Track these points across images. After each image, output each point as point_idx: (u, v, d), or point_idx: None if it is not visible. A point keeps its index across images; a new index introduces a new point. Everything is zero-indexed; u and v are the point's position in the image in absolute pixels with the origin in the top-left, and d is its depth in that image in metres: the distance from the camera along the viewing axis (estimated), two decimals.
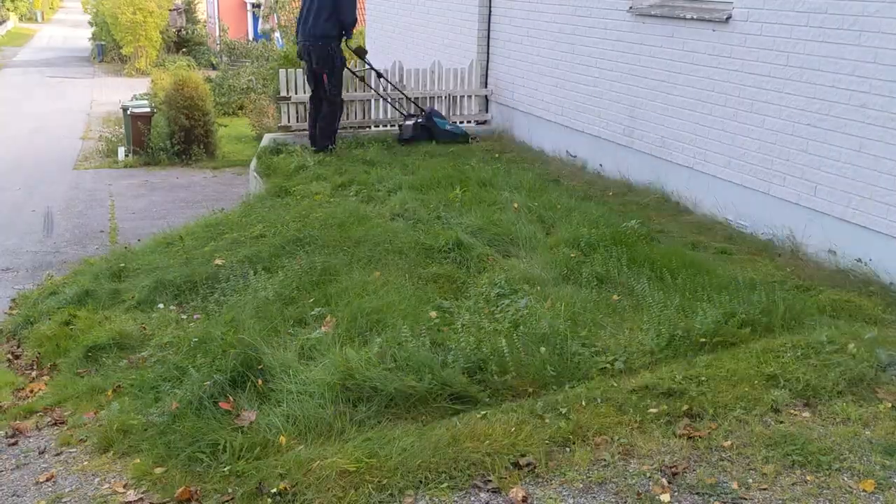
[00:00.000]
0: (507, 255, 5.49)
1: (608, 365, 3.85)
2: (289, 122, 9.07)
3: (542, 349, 3.84)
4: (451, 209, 6.28)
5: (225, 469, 3.00)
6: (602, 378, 3.71)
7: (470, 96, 9.76)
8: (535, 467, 2.99)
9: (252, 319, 4.23)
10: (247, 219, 6.76)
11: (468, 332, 4.02)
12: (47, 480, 3.22)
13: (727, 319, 4.19)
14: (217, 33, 33.20)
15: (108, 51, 33.39)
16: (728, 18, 5.97)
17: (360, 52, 8.74)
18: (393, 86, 9.05)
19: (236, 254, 5.71)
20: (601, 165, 7.69)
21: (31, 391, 4.64)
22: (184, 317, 5.05)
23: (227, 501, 2.86)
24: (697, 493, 2.87)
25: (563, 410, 3.36)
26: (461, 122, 9.81)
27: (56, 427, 3.86)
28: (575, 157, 8.13)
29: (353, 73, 8.91)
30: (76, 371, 4.74)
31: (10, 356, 5.40)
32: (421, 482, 2.89)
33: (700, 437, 3.22)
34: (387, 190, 7.06)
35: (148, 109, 15.73)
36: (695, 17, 6.30)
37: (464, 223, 5.92)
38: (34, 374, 5.02)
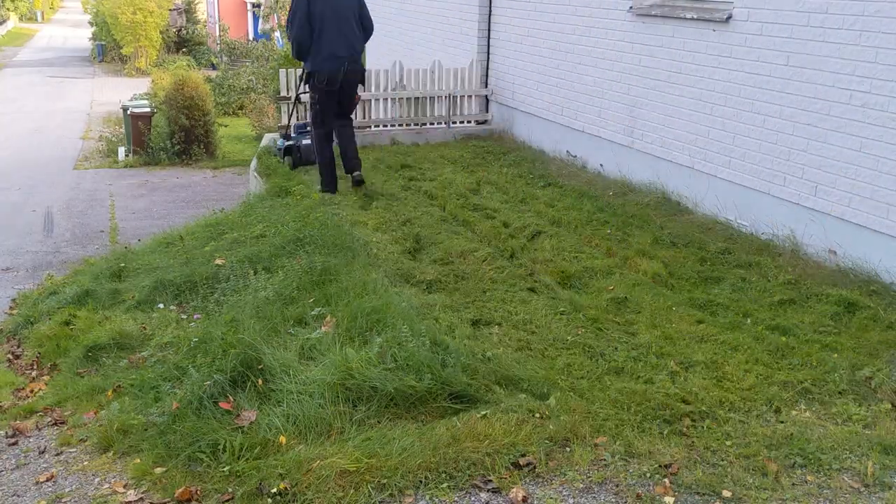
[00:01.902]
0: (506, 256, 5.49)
1: (609, 364, 3.85)
2: (289, 121, 9.06)
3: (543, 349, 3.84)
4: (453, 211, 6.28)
5: (225, 469, 3.00)
6: (603, 377, 3.71)
7: (470, 96, 9.75)
8: (535, 467, 2.99)
9: (252, 319, 4.23)
10: (247, 219, 6.76)
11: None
12: (47, 480, 3.21)
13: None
14: (217, 33, 33.20)
15: (108, 51, 33.41)
16: (728, 18, 5.97)
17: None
18: None
19: (236, 254, 5.71)
20: (601, 165, 7.69)
21: (31, 391, 4.64)
22: (184, 317, 5.04)
23: (227, 501, 2.86)
24: (697, 493, 2.87)
25: (564, 410, 3.36)
26: (462, 122, 9.81)
27: (56, 427, 3.86)
28: (575, 157, 8.13)
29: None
30: (76, 371, 4.74)
31: (10, 356, 5.39)
32: (421, 482, 2.89)
33: (700, 437, 3.22)
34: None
35: (148, 109, 15.74)
36: (695, 16, 6.30)
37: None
38: (34, 374, 5.02)
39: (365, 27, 6.83)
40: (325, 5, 6.44)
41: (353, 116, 7.21)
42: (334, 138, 6.92)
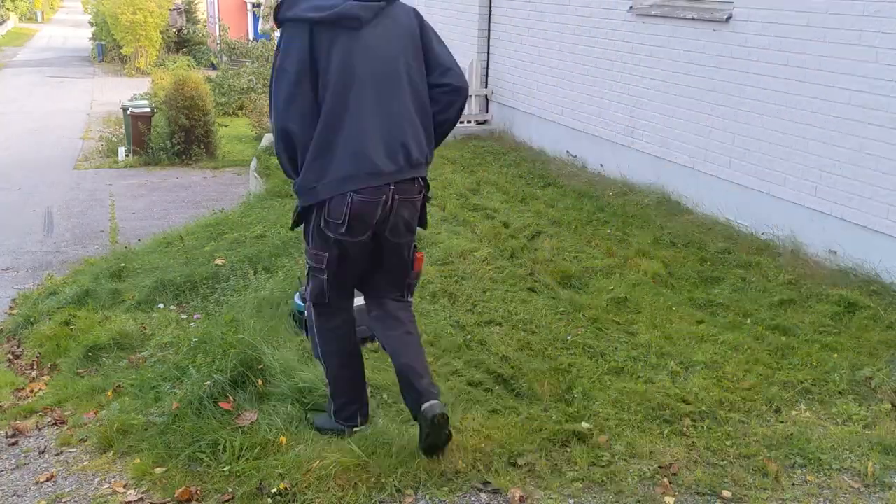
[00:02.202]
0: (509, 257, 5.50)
1: (609, 364, 3.85)
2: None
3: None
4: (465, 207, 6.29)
5: (225, 469, 3.00)
6: (603, 377, 3.71)
7: (470, 96, 9.76)
8: (534, 467, 2.99)
9: (252, 319, 4.23)
10: (247, 219, 6.77)
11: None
12: (47, 480, 3.21)
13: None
14: (217, 33, 33.18)
15: (108, 51, 33.38)
16: (728, 18, 5.97)
17: None
18: None
19: (236, 254, 5.72)
20: (602, 165, 7.68)
21: (31, 391, 4.64)
22: (184, 317, 5.05)
23: (227, 501, 2.86)
24: (697, 493, 2.87)
25: (564, 410, 3.36)
26: (461, 122, 9.81)
27: (56, 427, 3.86)
28: (575, 156, 8.13)
29: None
30: (76, 371, 4.74)
31: (10, 356, 5.40)
32: (421, 482, 2.89)
33: (700, 437, 3.22)
34: None
35: (148, 109, 15.73)
36: (695, 16, 6.30)
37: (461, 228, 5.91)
38: (34, 374, 5.02)
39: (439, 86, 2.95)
40: (352, 48, 2.78)
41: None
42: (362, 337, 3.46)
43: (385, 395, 3.50)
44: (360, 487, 2.82)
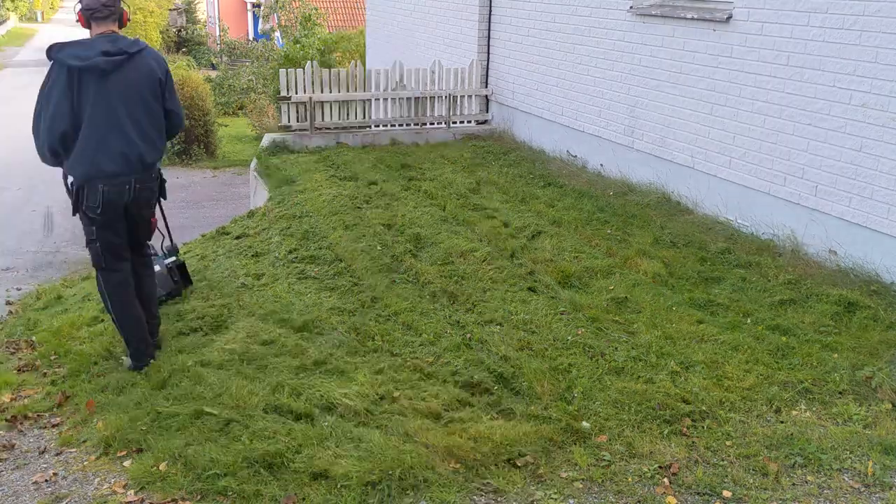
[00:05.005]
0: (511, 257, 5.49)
1: (609, 364, 3.85)
2: (289, 122, 9.07)
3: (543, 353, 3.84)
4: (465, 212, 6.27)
5: (225, 469, 3.00)
6: (603, 377, 3.71)
7: (470, 96, 9.75)
8: (535, 468, 2.99)
9: None
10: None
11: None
12: (47, 481, 3.21)
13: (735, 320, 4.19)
14: (217, 33, 33.18)
15: None
16: (728, 18, 5.97)
17: None
18: None
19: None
20: (602, 165, 7.68)
21: (31, 392, 4.63)
22: None
23: (228, 501, 2.86)
24: (698, 493, 2.87)
25: (565, 410, 3.36)
26: (462, 122, 9.81)
27: (56, 427, 3.86)
28: (575, 156, 8.13)
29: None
30: (77, 371, 4.73)
31: (10, 356, 5.39)
32: (421, 483, 2.89)
33: (700, 437, 3.22)
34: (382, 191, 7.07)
35: None
36: (695, 16, 6.29)
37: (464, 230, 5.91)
38: (35, 374, 5.01)
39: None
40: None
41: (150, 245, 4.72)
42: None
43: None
44: (359, 488, 2.82)
